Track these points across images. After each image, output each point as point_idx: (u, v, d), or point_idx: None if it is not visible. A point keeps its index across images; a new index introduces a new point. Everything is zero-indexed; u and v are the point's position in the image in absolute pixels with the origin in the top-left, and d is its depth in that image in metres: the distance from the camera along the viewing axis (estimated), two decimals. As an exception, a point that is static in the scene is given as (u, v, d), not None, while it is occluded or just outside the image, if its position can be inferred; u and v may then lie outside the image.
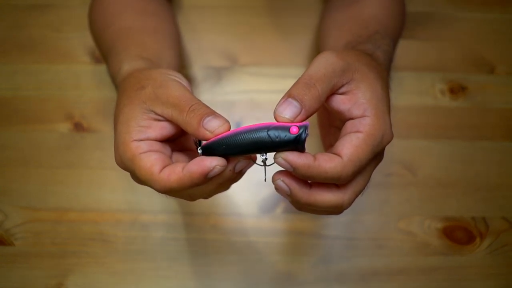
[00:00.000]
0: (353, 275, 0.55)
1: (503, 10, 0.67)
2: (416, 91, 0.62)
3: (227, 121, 0.32)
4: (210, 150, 0.32)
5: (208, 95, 0.62)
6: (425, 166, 0.59)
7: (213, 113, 0.32)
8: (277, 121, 0.31)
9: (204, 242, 0.56)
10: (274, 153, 0.31)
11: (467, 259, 0.55)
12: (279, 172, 0.32)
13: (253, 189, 0.57)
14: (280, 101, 0.31)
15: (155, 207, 0.57)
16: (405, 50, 0.61)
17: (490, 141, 0.60)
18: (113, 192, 0.57)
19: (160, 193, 0.33)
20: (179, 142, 0.38)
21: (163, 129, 0.34)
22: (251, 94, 0.62)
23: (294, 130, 0.30)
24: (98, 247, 0.55)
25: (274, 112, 0.31)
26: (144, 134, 0.33)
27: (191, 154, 0.39)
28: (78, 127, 0.60)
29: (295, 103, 0.31)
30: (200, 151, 0.33)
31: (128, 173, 0.35)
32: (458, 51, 0.64)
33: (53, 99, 0.61)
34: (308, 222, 0.56)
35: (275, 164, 0.32)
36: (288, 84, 0.63)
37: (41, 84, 0.62)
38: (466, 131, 0.61)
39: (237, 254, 0.55)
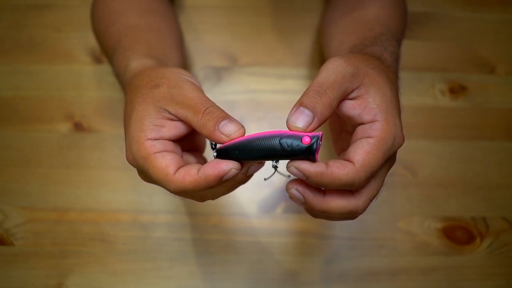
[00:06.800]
0: (353, 275, 0.55)
1: (503, 10, 0.67)
2: (416, 91, 0.62)
3: (242, 126, 0.32)
4: (224, 153, 0.33)
5: (208, 95, 0.60)
6: (425, 166, 0.59)
7: (229, 117, 0.33)
8: (290, 130, 0.31)
9: (205, 242, 0.56)
10: (285, 160, 0.32)
11: (467, 259, 0.55)
12: (293, 181, 0.33)
13: (254, 189, 0.57)
14: (292, 110, 0.31)
15: (155, 207, 0.57)
16: (405, 50, 0.61)
17: (490, 141, 0.60)
18: (113, 192, 0.57)
19: (170, 193, 0.34)
20: (186, 142, 0.38)
21: (177, 128, 0.34)
22: (251, 94, 0.62)
23: (307, 140, 0.30)
24: (98, 247, 0.55)
25: (287, 122, 0.31)
26: (158, 133, 0.33)
27: (197, 155, 0.39)
28: (78, 127, 0.60)
29: (307, 111, 0.31)
30: (214, 154, 0.33)
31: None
32: (458, 51, 0.64)
33: (53, 99, 0.61)
34: (309, 222, 0.56)
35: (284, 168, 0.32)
36: (288, 84, 0.63)
37: (41, 84, 0.62)
38: (466, 131, 0.61)
39: (238, 254, 0.55)
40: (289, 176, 0.34)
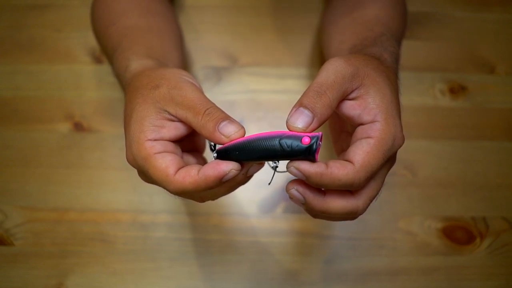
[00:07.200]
0: (353, 275, 0.55)
1: (503, 10, 0.67)
2: (416, 91, 0.62)
3: (242, 127, 0.32)
4: (224, 154, 0.33)
5: (208, 95, 0.60)
6: (425, 166, 0.59)
7: (229, 118, 0.33)
8: (290, 131, 0.31)
9: (205, 242, 0.56)
10: (285, 160, 0.32)
11: (467, 259, 0.55)
12: (293, 181, 0.33)
13: (254, 189, 0.57)
14: (291, 110, 0.32)
15: (155, 207, 0.57)
16: (405, 50, 0.61)
17: (490, 141, 0.60)
18: (113, 192, 0.57)
19: (170, 194, 0.34)
20: (186, 143, 0.38)
21: (177, 129, 0.34)
22: (251, 94, 0.62)
23: (306, 140, 0.30)
24: (98, 247, 0.55)
25: (287, 122, 0.31)
26: (158, 133, 0.33)
27: (197, 155, 0.39)
28: (78, 127, 0.60)
29: (306, 112, 0.31)
30: (215, 155, 0.33)
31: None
32: (458, 51, 0.64)
33: (53, 99, 0.61)
34: (309, 222, 0.56)
35: (284, 169, 0.32)
36: (288, 84, 0.63)
37: (41, 84, 0.62)
38: (466, 131, 0.61)
39: (238, 254, 0.55)
40: (269, 184, 0.34)
